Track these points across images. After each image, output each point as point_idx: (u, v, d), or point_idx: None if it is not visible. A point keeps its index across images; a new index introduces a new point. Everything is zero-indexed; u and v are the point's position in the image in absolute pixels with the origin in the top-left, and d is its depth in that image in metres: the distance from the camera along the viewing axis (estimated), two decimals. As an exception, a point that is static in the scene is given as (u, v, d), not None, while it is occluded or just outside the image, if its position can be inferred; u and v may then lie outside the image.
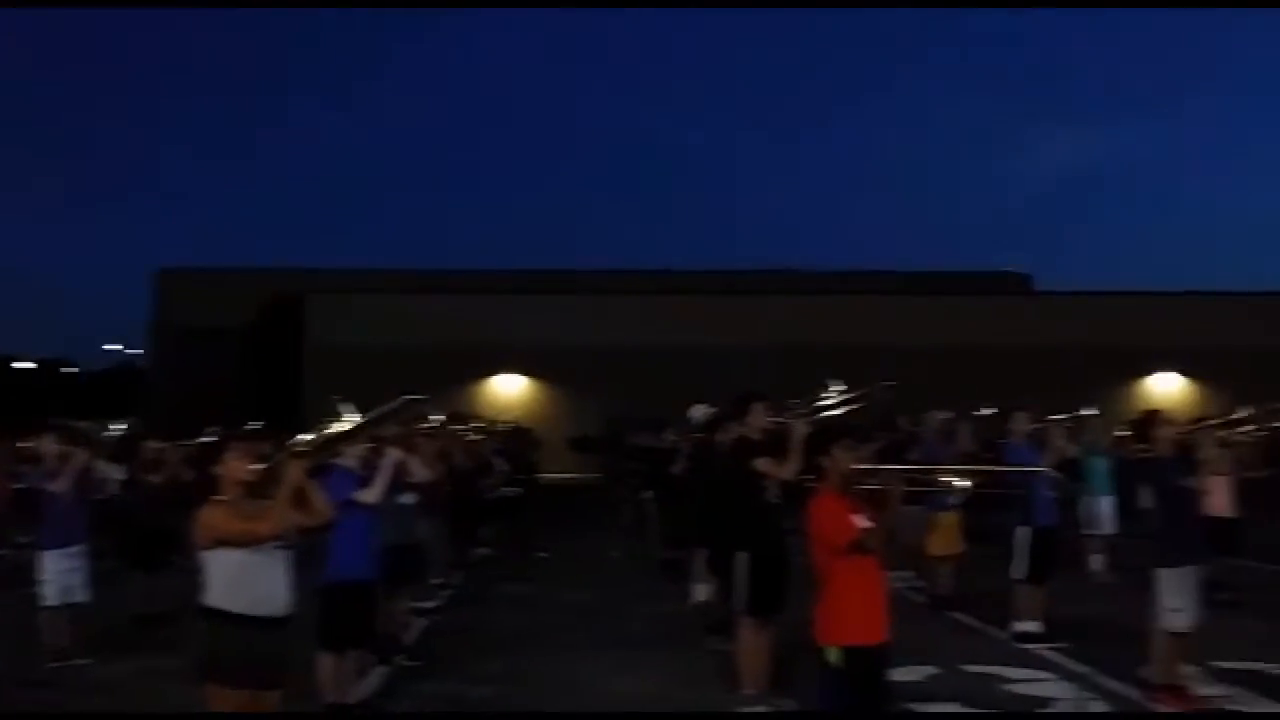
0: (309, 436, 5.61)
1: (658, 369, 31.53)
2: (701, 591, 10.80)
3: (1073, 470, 12.43)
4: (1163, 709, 7.53)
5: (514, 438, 20.70)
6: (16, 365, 66.73)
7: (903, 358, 27.63)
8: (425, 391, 8.57)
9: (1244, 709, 7.64)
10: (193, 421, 13.25)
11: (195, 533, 5.27)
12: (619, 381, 32.41)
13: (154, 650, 9.37)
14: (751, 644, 7.84)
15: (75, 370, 72.64)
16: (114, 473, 12.53)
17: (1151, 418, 8.24)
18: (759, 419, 7.99)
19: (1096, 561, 13.36)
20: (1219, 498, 10.60)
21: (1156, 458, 7.92)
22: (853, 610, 5.52)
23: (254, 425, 9.38)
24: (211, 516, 5.23)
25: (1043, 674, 8.57)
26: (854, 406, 7.79)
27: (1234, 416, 11.10)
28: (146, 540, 11.00)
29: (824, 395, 8.05)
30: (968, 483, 7.05)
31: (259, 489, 5.34)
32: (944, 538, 11.54)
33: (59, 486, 9.25)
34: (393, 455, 7.93)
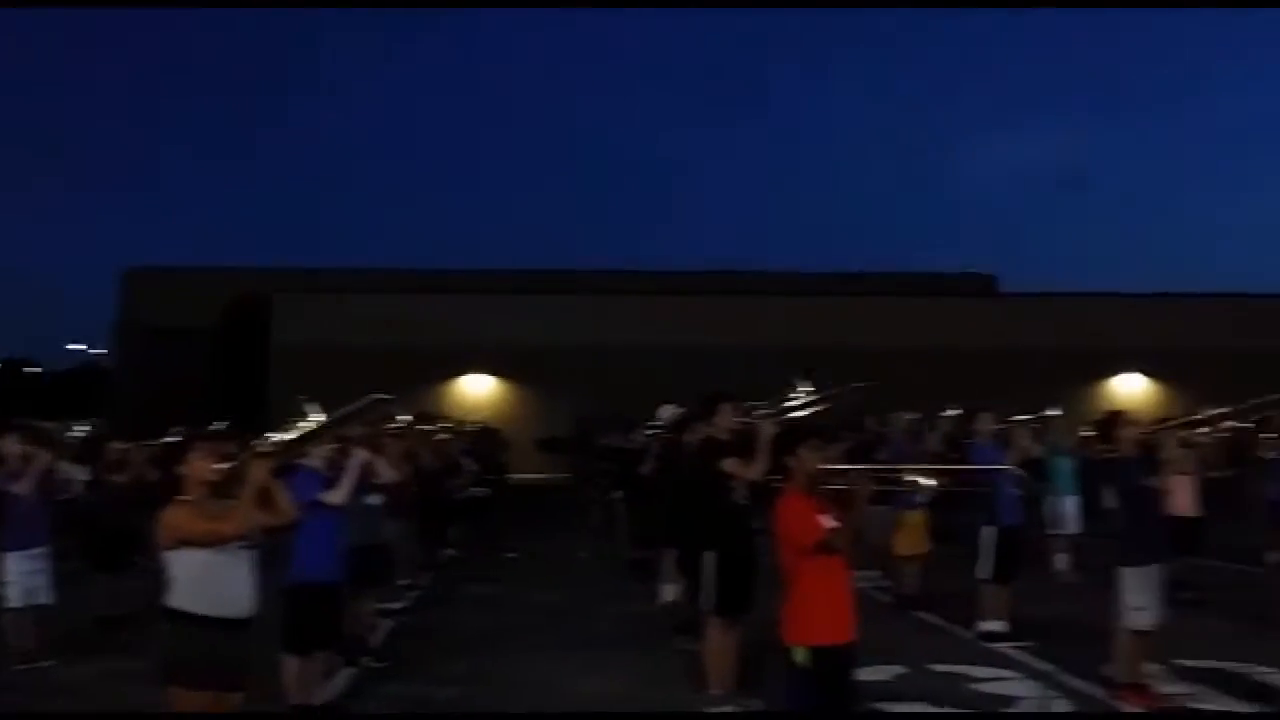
0: (274, 436, 5.58)
1: (626, 369, 31.53)
2: (669, 591, 10.81)
3: (1037, 470, 12.53)
4: (1126, 707, 7.59)
5: (482, 438, 20.69)
6: (-21, 365, 65.96)
7: (870, 358, 27.70)
8: (393, 391, 8.52)
9: (1206, 707, 7.72)
10: (158, 422, 13.15)
11: (159, 533, 5.23)
12: (588, 382, 32.39)
13: (117, 652, 9.30)
14: (719, 644, 7.85)
15: (38, 370, 71.83)
16: (78, 474, 12.41)
17: (1114, 418, 8.32)
18: (726, 419, 8.01)
19: (1061, 561, 13.47)
20: (1182, 497, 10.73)
21: (1120, 458, 7.99)
22: (819, 610, 5.53)
23: (219, 425, 9.32)
24: (175, 516, 5.19)
25: (1007, 673, 8.63)
26: (819, 407, 7.80)
27: (1197, 416, 11.24)
28: (110, 541, 10.91)
29: (792, 396, 8.08)
30: (933, 481, 7.11)
31: (223, 489, 5.31)
32: (910, 537, 11.61)
33: (22, 488, 9.16)
34: (359, 456, 7.90)
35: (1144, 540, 7.77)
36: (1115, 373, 36.41)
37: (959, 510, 10.63)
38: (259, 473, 5.26)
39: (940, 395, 15.68)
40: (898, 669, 8.61)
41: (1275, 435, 12.38)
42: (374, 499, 9.06)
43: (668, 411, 11.99)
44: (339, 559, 7.53)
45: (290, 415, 5.74)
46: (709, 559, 7.84)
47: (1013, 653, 9.28)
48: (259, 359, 35.95)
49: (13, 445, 9.41)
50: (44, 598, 9.22)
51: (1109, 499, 8.11)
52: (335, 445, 7.59)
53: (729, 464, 7.70)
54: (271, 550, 6.10)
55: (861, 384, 8.97)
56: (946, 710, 7.72)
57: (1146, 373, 36.33)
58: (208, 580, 5.15)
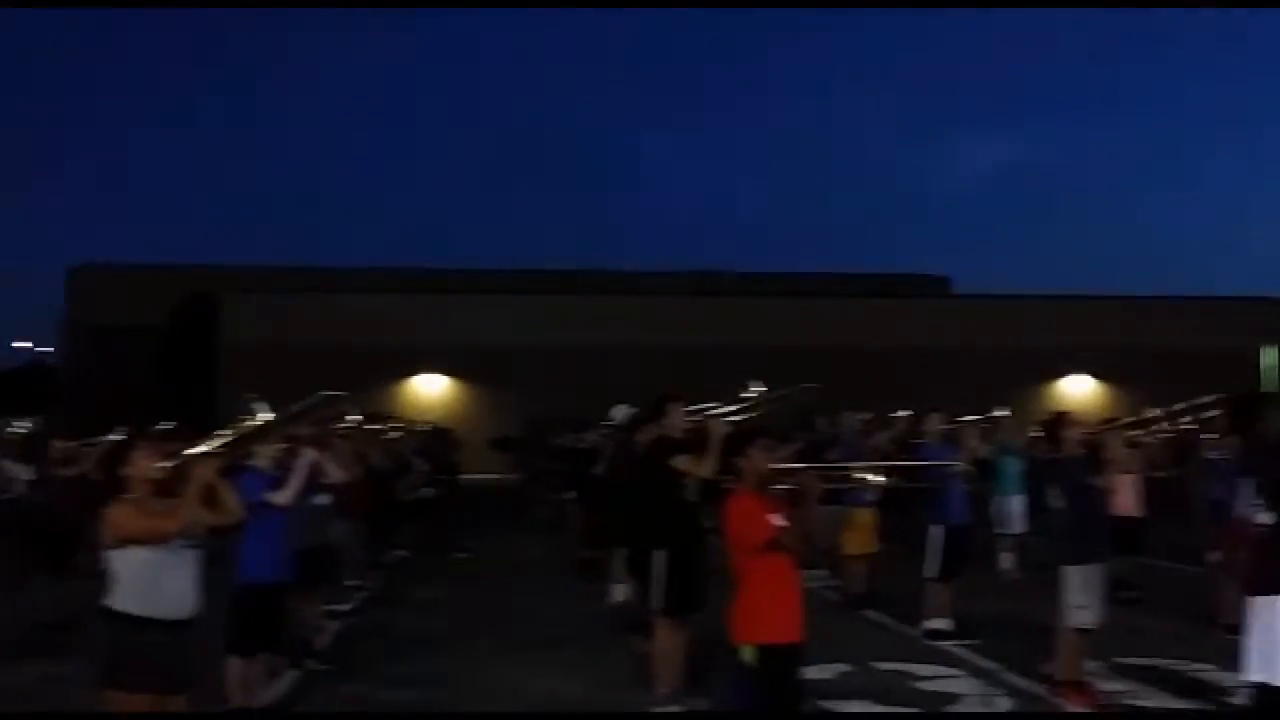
0: (221, 435, 5.54)
1: (580, 369, 31.54)
2: (619, 592, 10.83)
3: (985, 470, 12.68)
4: (1066, 705, 7.70)
5: (434, 438, 20.58)
6: (-79, 362, 64.74)
7: (822, 358, 27.91)
8: (345, 391, 8.49)
9: (1144, 704, 7.84)
10: (105, 421, 13.01)
11: (102, 532, 5.19)
12: (541, 382, 32.37)
13: (59, 655, 9.17)
14: (668, 644, 7.87)
15: (-18, 367, 70.61)
16: (21, 472, 12.26)
17: (1060, 419, 8.44)
18: (677, 419, 8.03)
19: (1007, 560, 13.63)
20: (1125, 497, 10.88)
21: (1065, 457, 8.11)
22: (767, 609, 5.56)
23: (165, 425, 9.23)
24: (118, 514, 5.15)
25: (951, 670, 8.73)
26: (759, 409, 7.85)
27: (1142, 417, 11.40)
28: (53, 541, 10.78)
29: (744, 395, 8.12)
30: (882, 479, 7.18)
31: (168, 487, 5.27)
32: (859, 537, 11.71)
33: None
34: (307, 456, 7.85)
35: (1087, 539, 7.88)
36: (1064, 374, 36.85)
37: (907, 510, 10.74)
38: (204, 470, 5.23)
39: (892, 396, 15.83)
40: (843, 667, 8.68)
41: (1218, 436, 12.57)
42: (322, 499, 9.02)
43: (620, 412, 12.00)
44: (286, 560, 7.48)
45: (238, 415, 5.71)
46: (659, 558, 7.86)
47: (957, 650, 9.38)
48: (208, 358, 35.61)
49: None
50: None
51: (1054, 499, 8.22)
52: (283, 445, 7.54)
53: (680, 462, 7.73)
54: (218, 550, 6.06)
55: (812, 385, 9.03)
56: (890, 708, 7.79)
57: (1095, 374, 36.79)
58: (150, 580, 5.11)
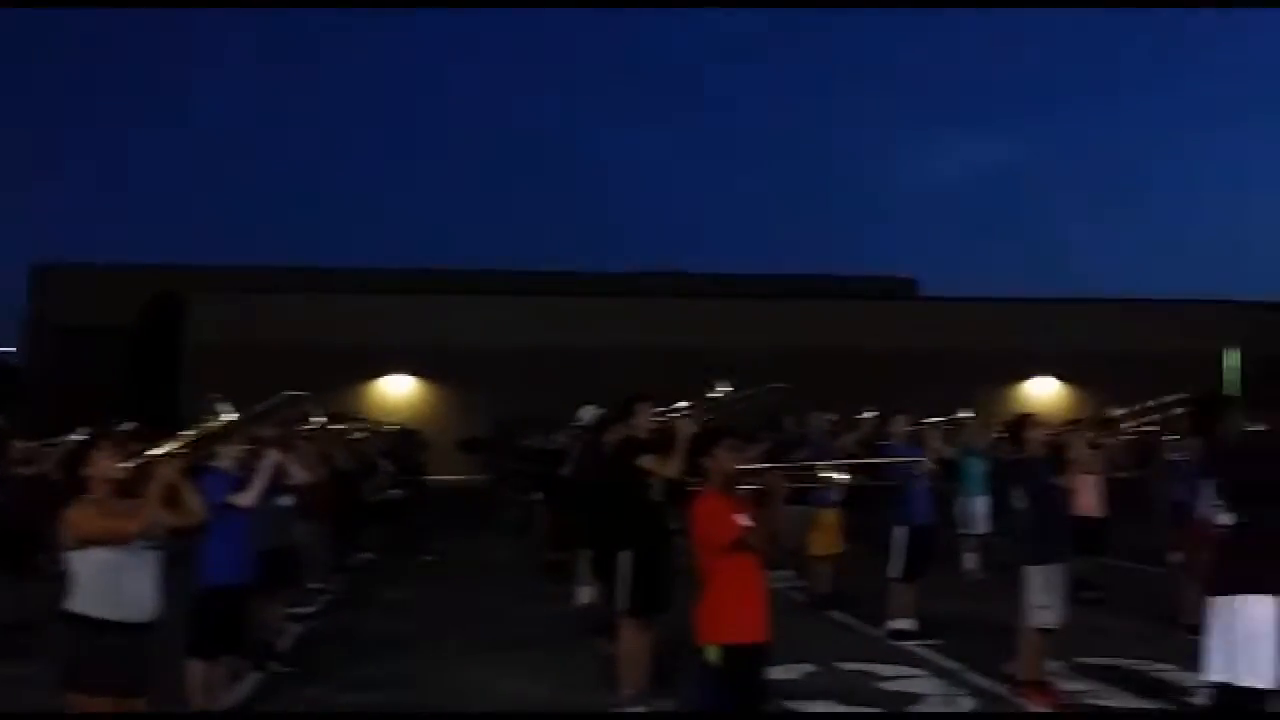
0: (184, 435, 5.51)
1: (547, 370, 31.51)
2: (585, 593, 10.81)
3: (949, 471, 12.76)
4: (1027, 705, 7.75)
5: (400, 439, 20.52)
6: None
7: (789, 359, 28.00)
8: (312, 392, 8.45)
9: (1105, 704, 7.91)
10: (69, 422, 12.88)
11: (61, 533, 5.14)
12: (508, 383, 32.30)
13: (18, 657, 9.07)
14: (632, 645, 7.87)
15: (-57, 367, 69.82)
16: (-20, 473, 12.12)
17: (1023, 420, 8.51)
18: (645, 419, 8.04)
19: (970, 560, 13.73)
20: (1087, 497, 10.98)
21: (1028, 458, 8.17)
22: (732, 609, 5.56)
23: (128, 425, 9.16)
24: (78, 515, 5.11)
25: (914, 671, 8.79)
26: (726, 409, 7.88)
27: (1105, 418, 11.49)
28: (12, 542, 10.67)
29: (711, 396, 8.15)
30: (847, 476, 7.21)
31: (130, 488, 5.23)
32: (825, 538, 11.76)
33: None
34: (271, 457, 7.80)
35: (1049, 539, 7.94)
36: (1029, 375, 37.10)
37: (872, 510, 10.79)
38: (166, 471, 5.19)
39: (859, 397, 15.88)
40: (807, 668, 8.71)
41: (1179, 437, 12.70)
42: (285, 500, 8.96)
43: (588, 412, 11.98)
44: (248, 561, 7.44)
45: (202, 415, 5.67)
46: (624, 558, 7.86)
47: (920, 650, 9.44)
48: (174, 358, 35.34)
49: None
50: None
51: (1018, 499, 8.28)
52: (247, 446, 7.50)
53: (646, 461, 7.73)
54: (180, 552, 6.01)
55: (780, 385, 9.07)
56: (853, 709, 7.83)
57: (1059, 376, 37.07)
58: (110, 582, 5.07)
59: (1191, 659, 6.46)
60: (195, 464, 5.92)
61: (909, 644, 9.67)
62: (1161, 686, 8.28)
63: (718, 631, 5.56)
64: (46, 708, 6.34)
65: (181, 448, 5.40)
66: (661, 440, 7.74)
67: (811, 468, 7.74)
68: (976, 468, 13.59)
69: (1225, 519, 6.07)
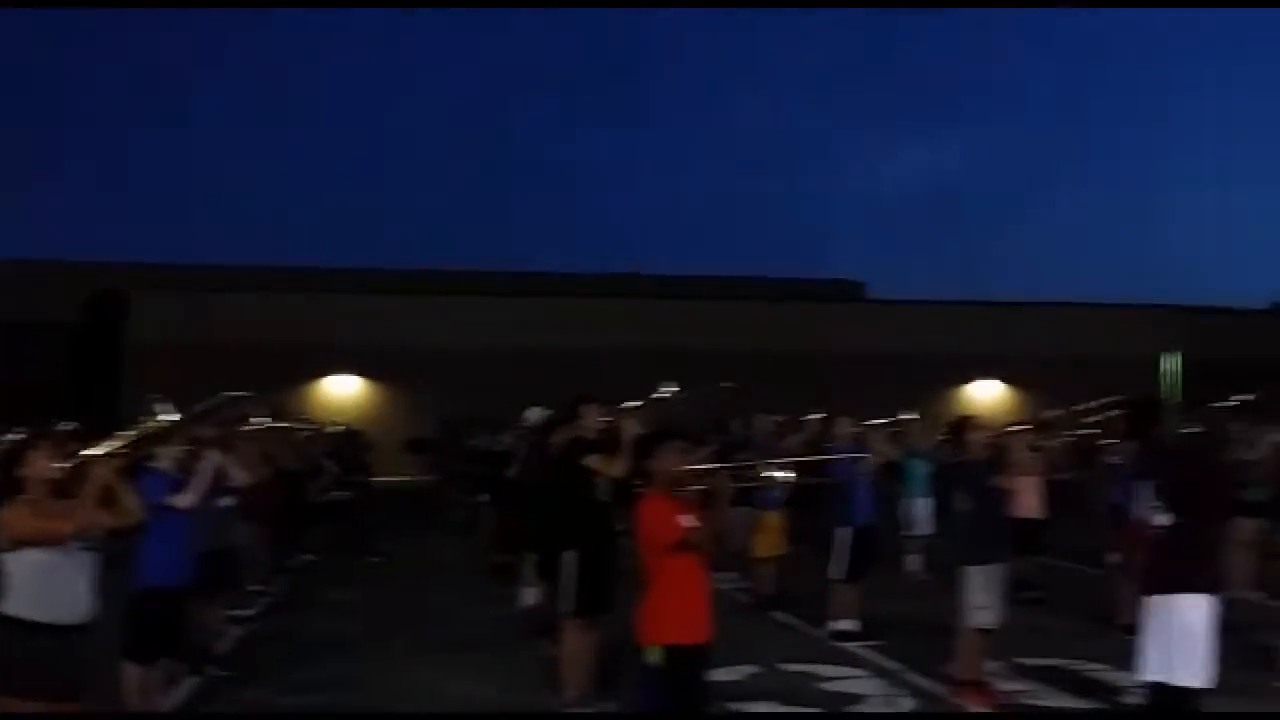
0: (123, 435, 5.45)
1: (495, 370, 31.37)
2: (530, 595, 10.79)
3: (893, 473, 12.86)
4: (965, 705, 7.84)
5: (345, 440, 20.36)
6: None
7: (736, 361, 28.09)
8: (255, 392, 8.35)
9: (1044, 704, 8.02)
10: (6, 420, 12.65)
11: (-5, 534, 5.06)
12: (455, 383, 32.12)
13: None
14: (577, 646, 7.87)
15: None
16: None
17: (964, 422, 8.62)
18: (591, 420, 8.05)
19: (913, 561, 13.85)
20: (1027, 499, 11.11)
21: (969, 460, 8.26)
22: (674, 610, 5.58)
23: (67, 425, 9.03)
24: (12, 516, 5.04)
25: (855, 671, 8.87)
26: (672, 410, 7.90)
27: (1041, 419, 11.66)
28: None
29: (657, 397, 8.17)
30: (790, 475, 7.25)
31: (66, 488, 5.17)
32: (768, 539, 11.81)
33: None
34: (212, 459, 7.73)
35: (988, 540, 8.03)
36: (974, 378, 37.45)
37: (816, 512, 10.86)
38: (102, 471, 5.13)
39: (805, 399, 15.98)
40: (750, 669, 8.76)
41: (1118, 440, 12.90)
42: (226, 501, 8.87)
43: (534, 414, 11.97)
44: (187, 563, 7.35)
45: (142, 415, 5.61)
46: (569, 559, 7.86)
47: (862, 651, 9.52)
48: (115, 357, 34.84)
49: None
50: None
51: (960, 501, 8.37)
52: (186, 447, 7.42)
53: (592, 461, 7.75)
54: (118, 553, 5.94)
55: (726, 384, 9.09)
56: (795, 709, 7.88)
57: (1003, 378, 37.46)
58: (45, 583, 5.01)
59: (1127, 658, 6.56)
60: (134, 464, 5.85)
61: (851, 645, 9.75)
62: (1098, 686, 8.41)
63: (660, 632, 5.58)
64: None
65: (120, 448, 5.33)
66: (608, 441, 7.75)
67: (754, 465, 7.79)
68: (920, 469, 13.72)
69: (1160, 520, 6.17)
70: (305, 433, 15.62)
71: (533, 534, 10.02)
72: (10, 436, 8.94)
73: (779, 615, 11.20)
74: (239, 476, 9.04)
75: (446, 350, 33.80)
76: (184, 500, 7.24)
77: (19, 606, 4.99)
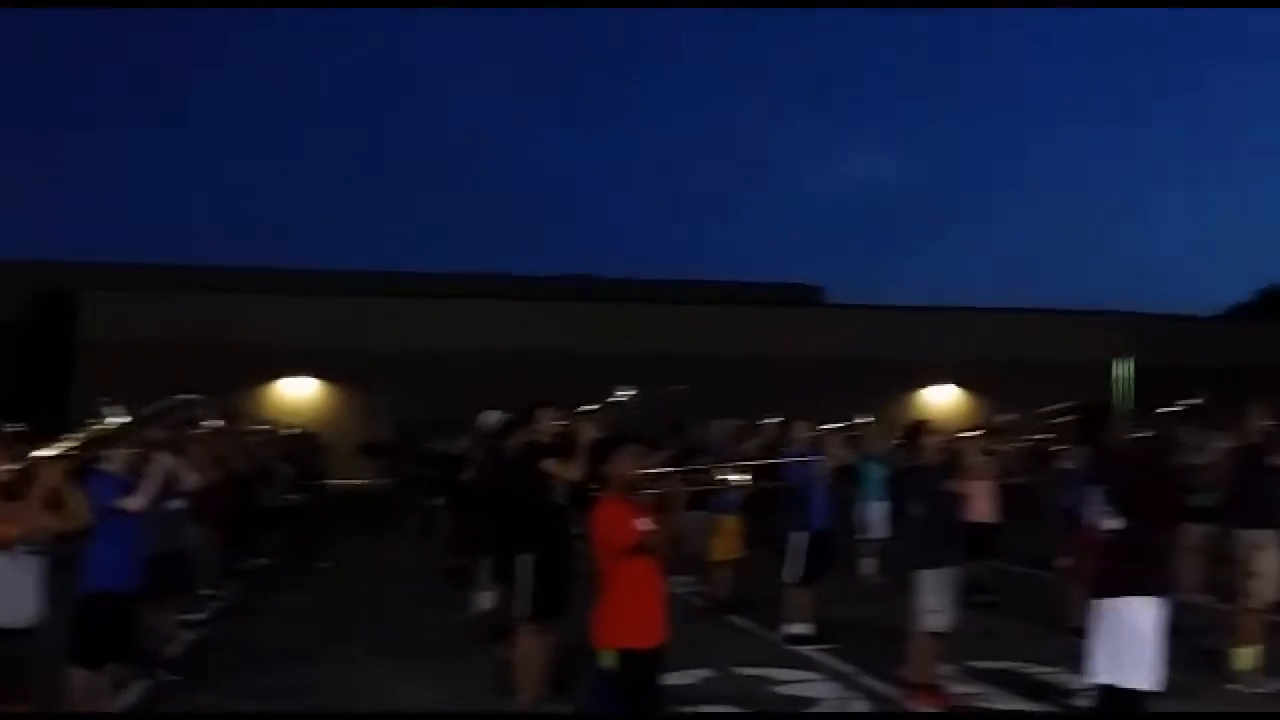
0: (72, 437, 5.38)
1: (451, 373, 31.24)
2: (485, 599, 10.75)
3: (848, 477, 12.93)
4: (918, 707, 7.89)
5: (299, 443, 20.21)
6: None
7: (693, 365, 28.18)
8: (209, 394, 8.26)
9: (996, 707, 8.08)
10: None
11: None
12: (411, 386, 31.96)
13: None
14: (531, 650, 7.85)
15: None
16: None
17: (919, 427, 8.67)
18: (547, 424, 8.04)
19: (868, 565, 13.92)
20: (981, 503, 11.21)
21: (923, 464, 8.32)
22: (629, 613, 5.58)
23: (15, 427, 8.89)
24: (-45, 520, 4.95)
25: (810, 674, 8.90)
26: (628, 414, 7.91)
27: (997, 423, 11.76)
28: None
29: (613, 401, 8.17)
30: (747, 477, 7.28)
31: (13, 491, 5.09)
32: (725, 543, 11.84)
33: None
34: (162, 462, 7.63)
35: (941, 543, 8.09)
36: (930, 382, 37.74)
37: (772, 516, 10.89)
38: (50, 474, 5.06)
39: (762, 403, 16.02)
40: (704, 672, 8.76)
41: (1070, 444, 13.03)
42: (176, 504, 8.76)
43: (490, 417, 11.91)
44: (136, 567, 7.26)
45: (93, 417, 5.55)
46: (524, 562, 7.84)
47: (816, 655, 9.55)
48: (64, 357, 34.37)
49: None
50: None
51: (914, 505, 8.42)
52: (136, 449, 7.33)
53: (549, 465, 7.73)
54: (65, 557, 5.86)
55: (683, 388, 9.11)
56: (748, 712, 7.90)
57: (958, 383, 37.77)
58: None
59: (1078, 661, 6.63)
60: (84, 467, 5.78)
61: (806, 648, 9.78)
62: (1049, 689, 8.48)
63: (614, 636, 5.58)
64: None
65: (68, 450, 5.27)
66: (564, 445, 7.74)
67: (711, 472, 7.82)
68: (875, 473, 13.79)
69: (1110, 524, 6.24)
70: (259, 435, 15.46)
71: (488, 537, 9.98)
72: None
73: (734, 619, 11.22)
74: (190, 479, 8.95)
75: (403, 353, 33.63)
76: (134, 503, 7.15)
77: (-37, 610, 4.91)
